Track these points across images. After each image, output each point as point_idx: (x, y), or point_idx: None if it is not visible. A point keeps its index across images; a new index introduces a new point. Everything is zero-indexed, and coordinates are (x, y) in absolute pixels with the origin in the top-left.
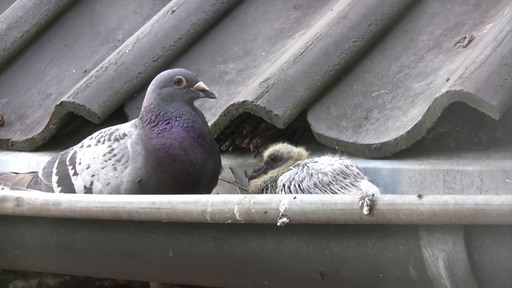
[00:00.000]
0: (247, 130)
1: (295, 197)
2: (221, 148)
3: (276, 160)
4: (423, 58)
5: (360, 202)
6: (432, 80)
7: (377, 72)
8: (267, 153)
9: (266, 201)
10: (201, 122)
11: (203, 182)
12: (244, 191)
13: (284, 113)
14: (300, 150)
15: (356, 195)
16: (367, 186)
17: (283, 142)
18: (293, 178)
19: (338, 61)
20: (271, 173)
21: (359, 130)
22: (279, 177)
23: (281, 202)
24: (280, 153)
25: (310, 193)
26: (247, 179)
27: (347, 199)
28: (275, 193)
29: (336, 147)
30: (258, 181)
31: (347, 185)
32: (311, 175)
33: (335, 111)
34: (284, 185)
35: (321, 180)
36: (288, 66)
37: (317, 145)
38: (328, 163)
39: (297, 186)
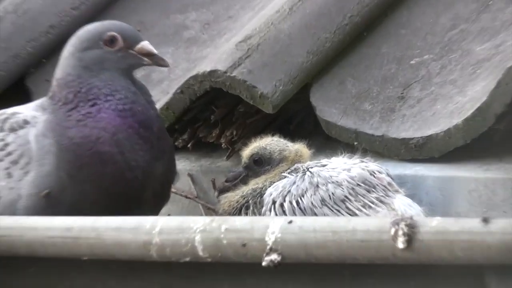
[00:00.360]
0: (217, 116)
1: (291, 221)
2: (176, 143)
3: (261, 163)
4: (489, 6)
5: (393, 230)
6: (503, 41)
7: (418, 28)
8: (248, 152)
9: (245, 227)
10: (145, 103)
11: (146, 196)
12: (211, 211)
13: (274, 90)
14: (299, 148)
15: (387, 218)
16: (403, 204)
17: (273, 136)
18: (289, 191)
19: (357, 10)
20: (254, 183)
21: (390, 116)
22: (266, 189)
23: (269, 229)
24: (268, 152)
25: (315, 214)
26: (215, 193)
27: (372, 225)
28: (259, 214)
29: (356, 143)
30: (233, 196)
31: (372, 202)
32: (317, 186)
33: (354, 87)
34: (274, 202)
35: (332, 194)
36: (281, 17)
37: (326, 140)
38: (343, 167)
39: (294, 203)
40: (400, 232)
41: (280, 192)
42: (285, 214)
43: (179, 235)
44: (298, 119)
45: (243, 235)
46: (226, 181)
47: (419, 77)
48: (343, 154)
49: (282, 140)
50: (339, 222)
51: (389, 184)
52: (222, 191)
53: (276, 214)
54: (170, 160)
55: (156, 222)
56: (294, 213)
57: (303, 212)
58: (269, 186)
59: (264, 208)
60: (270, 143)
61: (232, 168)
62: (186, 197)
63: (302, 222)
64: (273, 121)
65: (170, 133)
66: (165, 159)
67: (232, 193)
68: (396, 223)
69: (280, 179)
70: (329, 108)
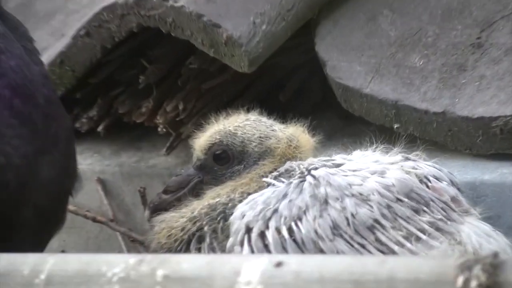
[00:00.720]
0: (150, 78)
1: (280, 263)
2: (78, 125)
3: (227, 160)
4: None
5: (462, 278)
6: None
7: None
8: (203, 141)
9: (199, 273)
10: (21, 53)
11: (24, 216)
12: (137, 244)
13: (251, 31)
14: (294, 134)
15: (450, 258)
16: (477, 234)
17: (249, 111)
18: (275, 211)
19: None
20: (214, 196)
21: (458, 79)
22: (234, 206)
23: (242, 277)
24: (240, 142)
25: (322, 251)
26: (146, 212)
27: (425, 270)
28: (222, 250)
29: (396, 126)
30: (176, 219)
31: (422, 230)
32: (325, 202)
33: (393, 27)
34: (249, 230)
35: (352, 215)
36: None
37: (343, 121)
38: (371, 169)
39: (284, 232)
40: (475, 283)
41: (260, 213)
42: (268, 251)
43: (82, 287)
44: (294, 84)
45: (195, 287)
46: (165, 191)
47: (509, 8)
48: (373, 146)
49: (265, 120)
50: (365, 264)
51: (454, 199)
52: (157, 209)
53: (253, 251)
54: (66, 155)
55: (42, 264)
56: (284, 250)
57: (300, 247)
58: (240, 201)
59: (231, 240)
60: (243, 125)
61: (177, 170)
62: (95, 220)
63: (300, 265)
64: (250, 87)
65: (68, 106)
66: (57, 152)
67: (174, 213)
68: (466, 268)
69: (260, 189)
70: (349, 63)
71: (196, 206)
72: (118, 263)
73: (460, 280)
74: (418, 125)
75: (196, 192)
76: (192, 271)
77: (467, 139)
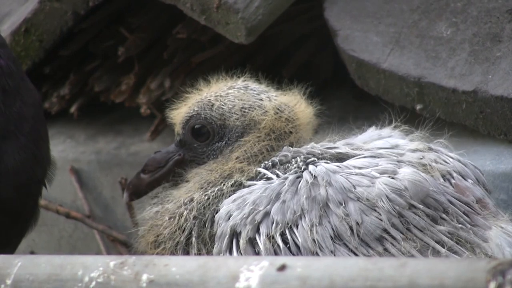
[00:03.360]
0: (130, 49)
1: (283, 266)
2: (47, 105)
3: (207, 136)
4: None
5: (494, 284)
6: None
7: None
8: (182, 113)
9: (190, 277)
10: None
11: None
12: (118, 244)
13: None
14: (286, 102)
15: (480, 261)
16: (508, 243)
17: (233, 78)
18: (266, 214)
19: None
20: (198, 182)
21: (492, 52)
22: (220, 200)
23: (240, 283)
24: (219, 114)
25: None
26: (125, 195)
27: (451, 275)
28: (206, 247)
29: (418, 106)
30: (161, 215)
31: (440, 241)
32: (325, 205)
33: None
34: (235, 234)
35: (358, 224)
36: None
37: (354, 98)
38: (381, 167)
39: (278, 238)
40: None
41: (249, 215)
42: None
43: None
44: (300, 57)
45: None
46: (143, 170)
47: None
48: (392, 126)
49: (253, 86)
50: (382, 268)
51: (480, 201)
52: (136, 191)
53: (239, 252)
54: (34, 138)
55: (8, 267)
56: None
57: (296, 256)
58: (226, 193)
59: (216, 247)
60: (224, 94)
61: (161, 149)
62: (68, 216)
63: (307, 269)
64: (248, 61)
65: (35, 84)
66: (22, 135)
67: (158, 209)
68: (499, 272)
69: (248, 180)
70: (364, 33)
71: (181, 194)
72: (96, 266)
73: (492, 286)
74: (444, 106)
75: (177, 172)
76: (182, 275)
77: (501, 123)
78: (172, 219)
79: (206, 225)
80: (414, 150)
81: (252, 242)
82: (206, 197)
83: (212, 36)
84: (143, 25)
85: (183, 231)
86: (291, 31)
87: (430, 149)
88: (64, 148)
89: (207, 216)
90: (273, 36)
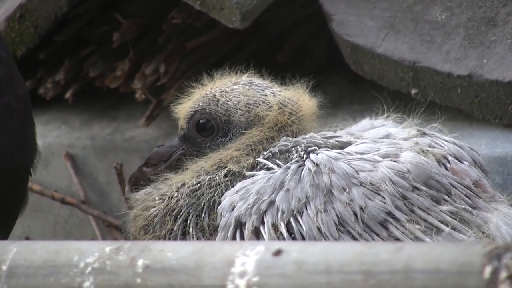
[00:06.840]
0: (125, 35)
1: (279, 251)
2: (41, 91)
3: (212, 131)
4: None
5: (489, 268)
6: None
7: None
8: (186, 108)
9: (186, 262)
10: None
11: None
12: (113, 229)
13: None
14: (291, 98)
15: (476, 245)
16: (507, 224)
17: (238, 73)
18: (271, 203)
19: None
20: (197, 171)
21: (487, 36)
22: (222, 190)
23: (236, 268)
24: (225, 109)
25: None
26: (127, 188)
27: (447, 259)
28: (209, 235)
29: (414, 91)
30: (154, 197)
31: (443, 221)
32: (329, 192)
33: None
34: (239, 224)
35: (361, 209)
36: None
37: (349, 83)
38: (383, 150)
39: (283, 227)
40: (504, 274)
41: (254, 205)
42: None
43: (50, 279)
44: (294, 42)
45: (181, 279)
46: (146, 164)
47: None
48: (384, 116)
49: (258, 82)
50: (378, 252)
51: (479, 184)
52: (137, 183)
53: (238, 236)
54: (24, 126)
55: (4, 253)
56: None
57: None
58: (228, 185)
59: (220, 237)
60: (230, 90)
61: (159, 143)
62: (63, 201)
63: (303, 254)
64: (243, 46)
65: (30, 69)
66: (12, 123)
67: (151, 190)
68: (495, 256)
69: (253, 170)
70: (359, 17)
71: (180, 183)
72: (91, 251)
73: (488, 270)
74: (439, 91)
75: (180, 165)
76: (178, 260)
77: (496, 107)
78: (161, 201)
79: (203, 215)
80: (406, 139)
81: (257, 232)
82: (198, 184)
83: (207, 21)
84: (138, 11)
85: (174, 219)
86: (286, 16)
87: (424, 133)
88: (59, 134)
89: (202, 205)
90: (267, 21)
